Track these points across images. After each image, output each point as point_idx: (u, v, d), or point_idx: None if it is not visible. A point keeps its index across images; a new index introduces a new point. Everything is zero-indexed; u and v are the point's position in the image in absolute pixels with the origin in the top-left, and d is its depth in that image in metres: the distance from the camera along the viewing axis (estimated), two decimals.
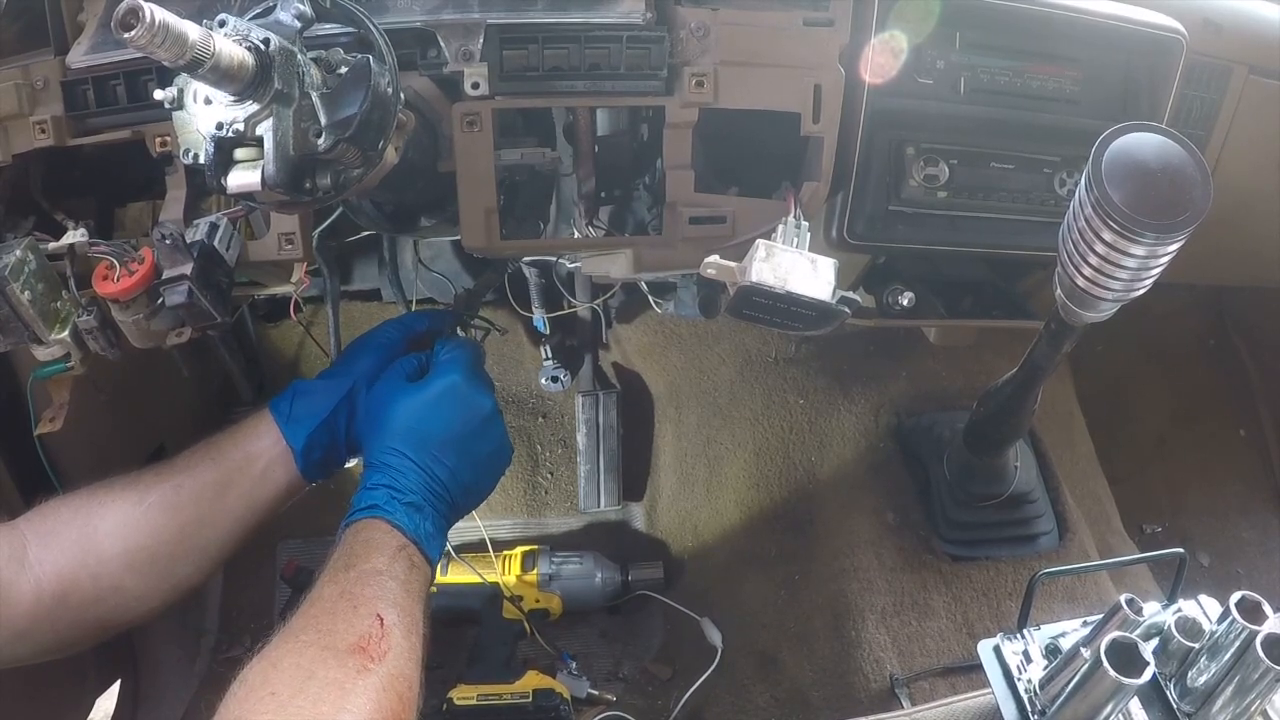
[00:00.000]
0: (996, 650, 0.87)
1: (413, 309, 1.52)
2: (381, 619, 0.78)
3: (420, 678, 0.79)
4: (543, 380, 1.69)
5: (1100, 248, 0.80)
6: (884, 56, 1.01)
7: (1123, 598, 0.80)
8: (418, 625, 0.82)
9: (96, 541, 0.91)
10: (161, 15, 0.61)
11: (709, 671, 1.47)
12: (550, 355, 1.69)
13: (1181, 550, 0.90)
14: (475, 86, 0.94)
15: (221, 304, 0.90)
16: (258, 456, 0.97)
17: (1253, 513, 1.86)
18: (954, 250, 1.15)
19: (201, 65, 0.66)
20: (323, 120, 0.73)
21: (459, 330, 1.19)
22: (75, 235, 0.93)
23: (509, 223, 1.02)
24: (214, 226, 0.91)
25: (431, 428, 0.93)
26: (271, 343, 1.82)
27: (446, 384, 0.97)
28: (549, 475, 1.82)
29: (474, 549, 1.62)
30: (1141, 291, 0.86)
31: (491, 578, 1.56)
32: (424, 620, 0.84)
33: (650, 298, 1.44)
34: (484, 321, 1.20)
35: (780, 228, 0.95)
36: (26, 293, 0.89)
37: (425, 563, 0.88)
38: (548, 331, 1.66)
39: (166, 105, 0.74)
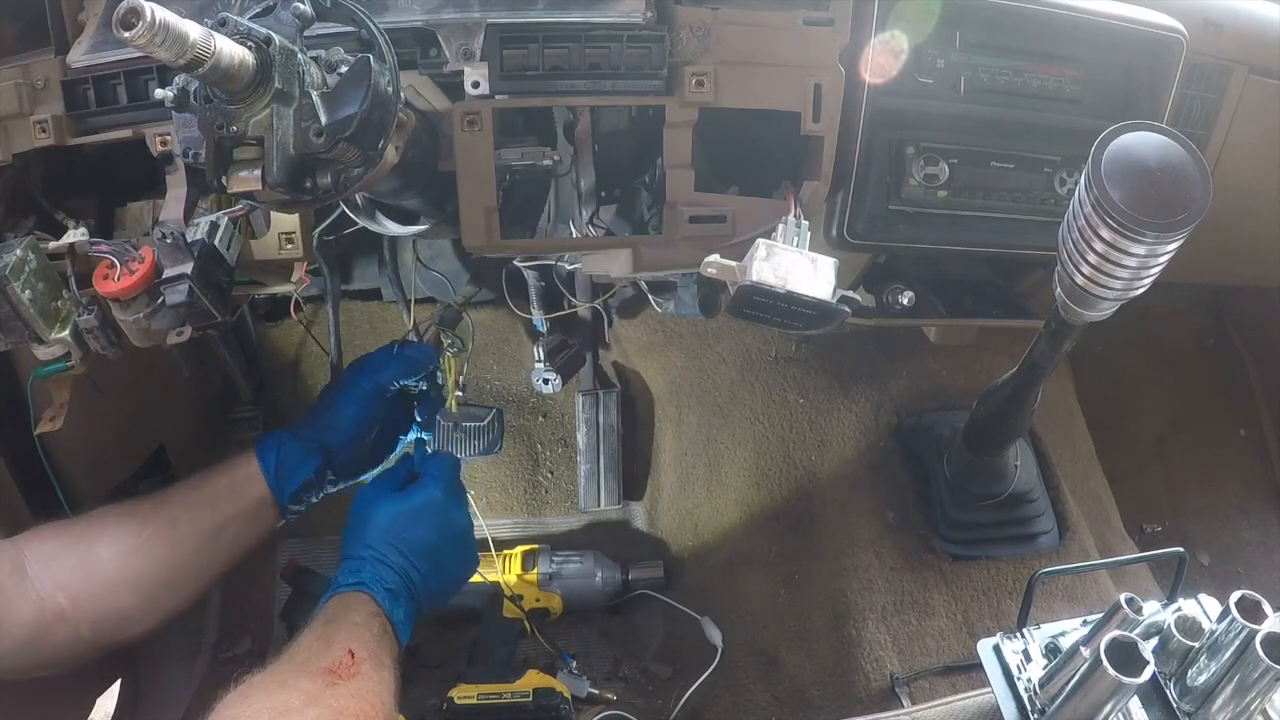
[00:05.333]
0: (996, 649, 0.87)
1: (412, 308, 1.52)
2: (353, 653, 0.84)
3: (393, 705, 0.84)
4: (535, 381, 1.69)
5: (1100, 246, 0.80)
6: (884, 56, 1.01)
7: (1123, 597, 0.80)
8: (386, 667, 0.87)
9: (99, 565, 0.97)
10: (162, 14, 0.61)
11: (709, 671, 1.47)
12: (543, 357, 1.69)
13: (1181, 550, 0.90)
14: (475, 86, 0.94)
15: (222, 303, 0.90)
16: (249, 503, 1.06)
17: (1253, 512, 1.86)
18: (954, 250, 1.15)
19: (202, 64, 0.65)
20: (323, 119, 0.73)
21: (444, 339, 1.23)
22: (75, 234, 0.93)
23: (505, 222, 1.02)
24: (214, 226, 0.90)
25: (412, 535, 1.00)
26: (271, 342, 1.82)
27: (428, 497, 1.04)
28: (549, 474, 1.82)
29: None
30: (1141, 290, 0.86)
31: (492, 577, 1.56)
32: (393, 672, 0.89)
33: (650, 297, 1.44)
34: (455, 338, 1.24)
35: (780, 227, 0.96)
36: (27, 292, 0.89)
37: (395, 638, 0.93)
38: (545, 332, 1.66)
39: (167, 104, 0.74)
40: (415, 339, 1.28)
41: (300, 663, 0.82)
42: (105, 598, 0.96)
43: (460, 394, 1.30)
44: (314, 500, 1.12)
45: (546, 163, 1.02)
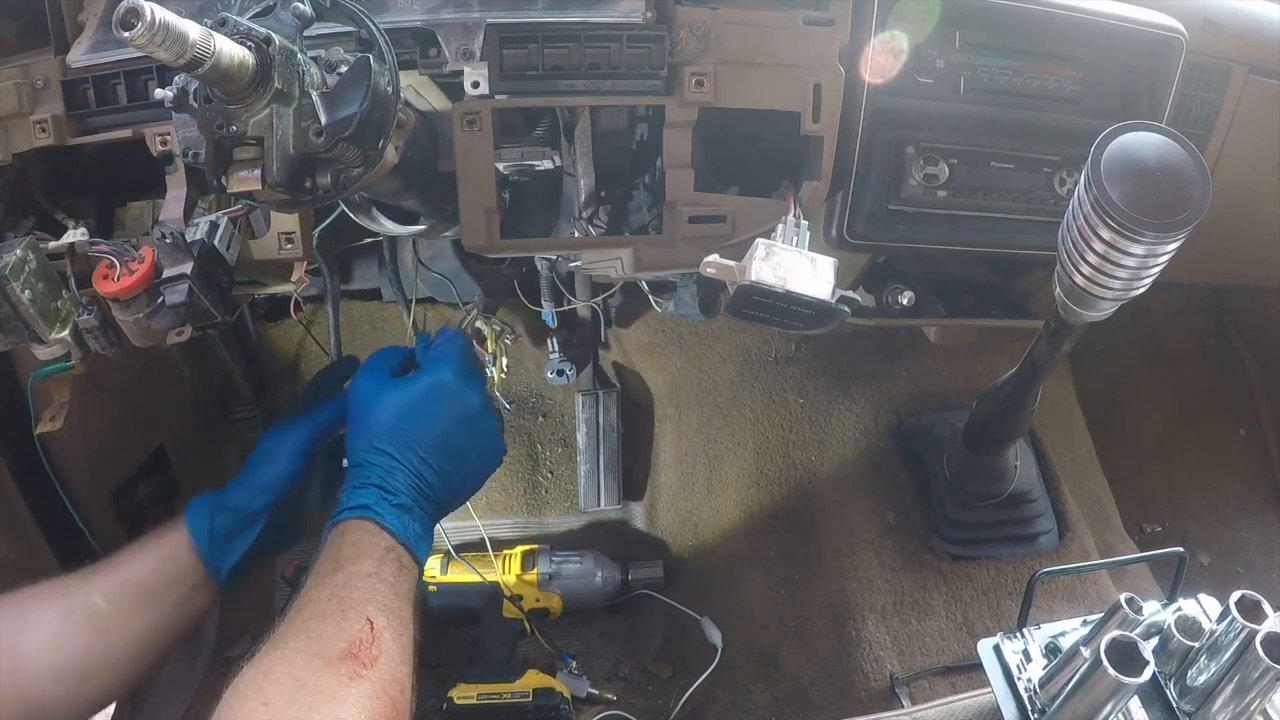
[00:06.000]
0: (996, 649, 0.87)
1: (412, 308, 1.52)
2: (372, 623, 0.77)
3: (412, 680, 0.79)
4: (549, 373, 1.69)
5: (1099, 246, 0.80)
6: (884, 56, 1.01)
7: (1123, 597, 0.80)
8: (408, 627, 0.81)
9: (26, 654, 0.89)
10: (162, 14, 0.61)
11: (709, 671, 1.47)
12: (557, 348, 1.69)
13: (1181, 550, 0.90)
14: (475, 86, 0.94)
15: (222, 303, 0.90)
16: (181, 580, 0.95)
17: (1253, 512, 1.86)
18: (954, 250, 1.15)
19: (202, 64, 0.65)
20: (323, 119, 0.73)
21: (490, 326, 1.20)
22: (75, 234, 0.93)
23: (520, 220, 1.02)
24: (214, 225, 0.90)
25: (419, 427, 0.91)
26: (271, 342, 1.82)
27: (435, 381, 0.94)
28: (549, 474, 1.82)
29: (474, 548, 1.63)
30: (1141, 291, 0.86)
31: (491, 577, 1.56)
32: (414, 621, 0.83)
33: (650, 297, 1.44)
34: (504, 325, 1.21)
35: (780, 227, 0.95)
36: (27, 292, 0.89)
37: (413, 564, 0.87)
38: (555, 325, 1.65)
39: (167, 104, 0.74)
40: (431, 334, 1.24)
41: (315, 637, 0.75)
42: (31, 687, 0.88)
43: (505, 375, 1.29)
44: (256, 566, 0.99)
45: (546, 164, 1.02)
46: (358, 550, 0.83)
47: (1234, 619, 0.73)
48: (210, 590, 0.96)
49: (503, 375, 1.28)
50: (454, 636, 1.54)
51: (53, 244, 0.93)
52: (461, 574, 1.56)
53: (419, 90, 0.96)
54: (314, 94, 0.73)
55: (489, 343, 1.24)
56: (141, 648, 0.95)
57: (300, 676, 0.72)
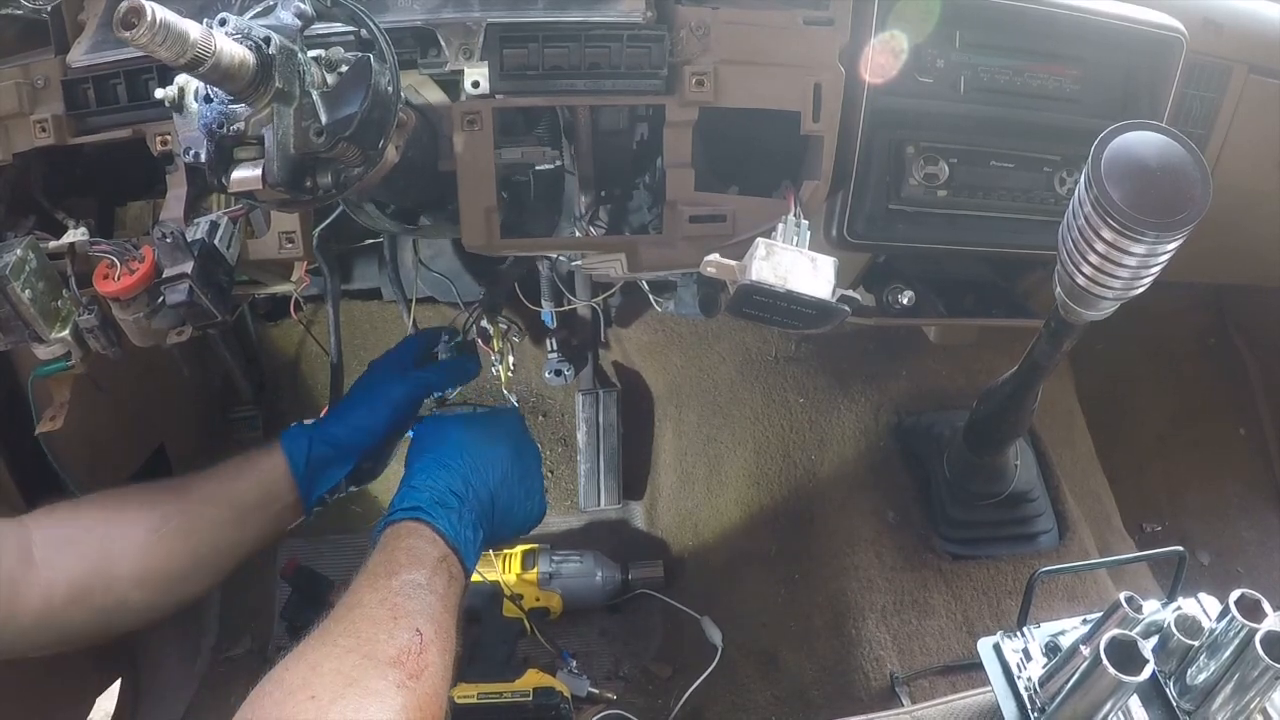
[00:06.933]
0: (996, 648, 0.87)
1: (413, 308, 1.52)
2: (421, 634, 0.78)
3: (448, 695, 0.80)
4: (547, 374, 1.69)
5: (1100, 246, 0.80)
6: (884, 56, 1.01)
7: (1122, 595, 0.80)
8: (452, 643, 0.83)
9: (112, 559, 0.94)
10: (163, 14, 0.61)
11: (709, 670, 1.47)
12: (555, 348, 1.69)
13: (1181, 549, 0.90)
14: (475, 85, 0.94)
15: (222, 303, 0.90)
16: (273, 500, 1.02)
17: (1253, 512, 1.86)
18: (954, 249, 1.15)
19: (202, 64, 0.65)
20: (323, 119, 0.73)
21: (485, 323, 1.22)
22: (76, 234, 0.93)
23: (521, 219, 1.02)
24: (214, 225, 0.91)
25: (483, 445, 0.98)
26: (272, 342, 1.82)
27: (505, 417, 1.04)
28: (549, 474, 1.82)
29: None
30: (1141, 290, 0.86)
31: (492, 576, 1.56)
32: (457, 635, 0.84)
33: (650, 296, 1.44)
34: (507, 319, 1.22)
35: (780, 226, 0.95)
36: (27, 291, 0.89)
37: (463, 574, 0.89)
38: (554, 325, 1.66)
39: (167, 104, 0.74)
40: (451, 335, 1.25)
41: (365, 639, 0.76)
42: (114, 590, 0.93)
43: (512, 373, 1.31)
44: (333, 498, 1.08)
45: (546, 163, 1.02)
46: (412, 557, 0.85)
47: (1234, 618, 0.73)
48: (295, 513, 1.04)
49: (509, 374, 1.29)
50: None
51: (53, 244, 0.93)
52: None
53: (419, 89, 0.96)
54: (314, 93, 0.73)
55: (495, 341, 1.25)
56: (224, 559, 1.01)
57: (350, 675, 0.72)
